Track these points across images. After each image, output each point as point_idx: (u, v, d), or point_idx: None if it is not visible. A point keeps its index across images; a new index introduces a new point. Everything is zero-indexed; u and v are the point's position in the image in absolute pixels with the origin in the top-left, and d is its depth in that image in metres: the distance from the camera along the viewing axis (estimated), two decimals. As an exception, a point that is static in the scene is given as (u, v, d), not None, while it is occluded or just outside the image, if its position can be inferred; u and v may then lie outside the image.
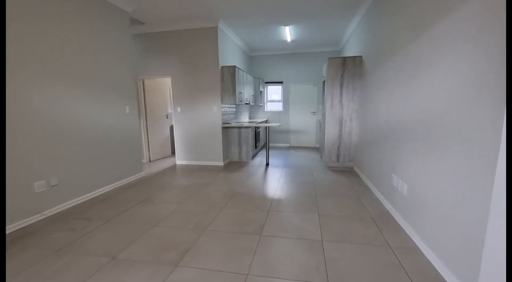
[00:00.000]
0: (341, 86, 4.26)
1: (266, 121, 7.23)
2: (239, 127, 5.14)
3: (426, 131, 1.95)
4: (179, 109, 5.03)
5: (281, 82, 7.10)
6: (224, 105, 5.03)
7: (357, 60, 4.16)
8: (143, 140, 5.31)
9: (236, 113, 5.98)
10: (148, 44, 4.92)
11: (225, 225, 2.43)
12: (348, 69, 4.21)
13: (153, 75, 5.05)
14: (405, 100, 2.36)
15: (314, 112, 7.02)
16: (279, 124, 4.90)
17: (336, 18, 4.53)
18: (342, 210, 2.76)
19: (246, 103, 5.84)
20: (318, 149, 6.65)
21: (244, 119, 6.71)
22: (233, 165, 5.04)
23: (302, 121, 7.13)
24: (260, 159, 5.58)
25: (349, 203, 2.97)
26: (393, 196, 2.60)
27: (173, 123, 5.15)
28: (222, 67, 4.81)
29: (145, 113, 5.27)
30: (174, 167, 4.92)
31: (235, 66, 4.77)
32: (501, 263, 1.09)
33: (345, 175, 4.15)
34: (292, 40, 5.91)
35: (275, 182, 3.82)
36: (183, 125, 5.07)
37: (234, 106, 5.79)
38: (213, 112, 4.88)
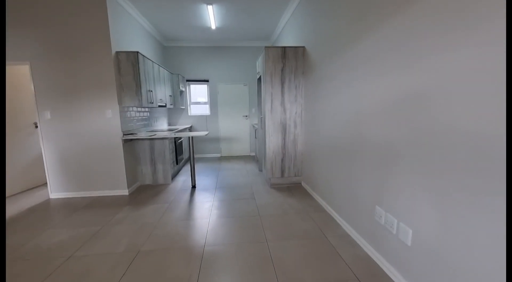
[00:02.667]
0: (282, 84, 3.43)
1: (190, 128, 5.91)
2: (150, 138, 3.72)
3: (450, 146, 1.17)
4: (48, 115, 3.25)
5: (207, 81, 5.92)
6: (131, 109, 3.52)
7: (299, 52, 3.40)
8: (-17, 166, 3.24)
9: (150, 119, 4.49)
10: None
11: None
12: (289, 62, 3.40)
13: (-6, 61, 3.10)
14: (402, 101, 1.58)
15: (246, 116, 6.12)
16: (206, 133, 3.73)
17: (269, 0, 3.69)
18: (309, 266, 1.82)
19: (160, 106, 4.42)
20: (254, 158, 5.77)
21: (162, 126, 5.24)
22: (145, 191, 3.58)
23: (233, 126, 6.12)
24: (184, 178, 4.26)
25: (315, 248, 2.06)
26: (381, 239, 1.81)
27: (40, 137, 3.30)
28: (118, 53, 3.31)
29: (-16, 122, 3.24)
30: (45, 205, 3.11)
31: (137, 52, 3.35)
32: None
33: (294, 195, 3.31)
34: (217, 28, 4.82)
35: (205, 219, 2.64)
36: (58, 139, 3.30)
37: (147, 110, 4.29)
38: (107, 119, 3.31)
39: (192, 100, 6.05)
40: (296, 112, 3.51)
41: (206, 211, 2.84)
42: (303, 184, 3.65)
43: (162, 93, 4.43)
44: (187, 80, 5.87)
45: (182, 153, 4.87)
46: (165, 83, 4.66)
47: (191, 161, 3.67)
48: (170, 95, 4.98)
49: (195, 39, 5.49)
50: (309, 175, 3.37)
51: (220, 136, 6.11)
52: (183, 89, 5.71)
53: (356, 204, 2.13)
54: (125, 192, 3.48)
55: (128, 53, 3.33)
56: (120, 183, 3.46)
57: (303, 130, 3.53)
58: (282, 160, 3.60)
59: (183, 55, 5.77)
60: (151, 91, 3.82)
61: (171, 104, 5.01)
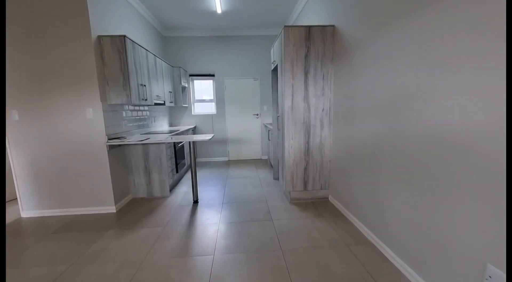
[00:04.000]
0: (306, 73, 2.70)
1: (194, 129, 5.25)
2: (141, 144, 3.05)
3: None
4: (16, 115, 2.62)
5: (212, 76, 5.24)
6: (120, 107, 2.87)
7: (327, 32, 2.66)
8: None
9: (148, 119, 3.84)
10: None
11: None
12: (315, 45, 2.67)
13: None
14: None
15: (257, 114, 5.41)
16: (209, 137, 3.04)
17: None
18: None
19: (158, 104, 3.77)
20: (267, 163, 5.06)
21: (162, 127, 4.59)
22: (136, 208, 2.93)
23: (243, 127, 5.43)
24: (185, 189, 3.59)
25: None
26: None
27: (7, 142, 2.69)
28: (100, 38, 2.66)
29: None
30: (14, 227, 2.50)
31: (124, 36, 2.68)
32: None
33: (322, 215, 2.59)
34: (223, 12, 4.12)
35: (208, 256, 1.95)
36: (29, 145, 2.68)
37: (144, 109, 3.64)
38: (87, 120, 2.67)
39: (196, 98, 5.38)
40: (324, 109, 2.78)
41: (210, 241, 2.15)
42: (331, 198, 2.93)
43: (159, 89, 3.76)
44: (190, 75, 5.20)
45: (183, 158, 4.20)
46: (163, 77, 4.00)
47: (192, 171, 2.98)
48: (170, 92, 4.32)
49: (198, 27, 4.81)
50: (340, 188, 2.64)
51: (227, 137, 5.43)
52: (186, 85, 5.04)
53: (438, 248, 1.39)
54: (112, 209, 2.83)
55: (113, 37, 2.66)
56: (105, 198, 2.81)
57: (332, 131, 2.80)
58: (305, 169, 2.88)
59: (185, 46, 5.10)
60: (144, 85, 3.16)
61: (171, 102, 4.35)
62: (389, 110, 1.75)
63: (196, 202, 3.04)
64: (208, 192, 3.44)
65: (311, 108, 2.77)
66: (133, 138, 2.91)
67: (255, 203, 2.96)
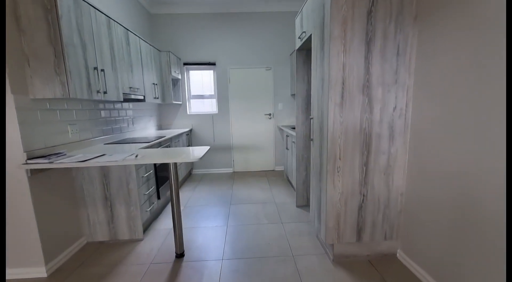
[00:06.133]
0: (368, 43, 1.53)
1: (189, 133, 4.12)
2: (69, 166, 1.92)
3: None
4: None
5: (213, 64, 4.10)
6: (68, 104, 1.76)
7: (411, -31, 1.48)
8: None
9: (126, 121, 2.72)
10: None
11: None
12: (387, -6, 1.50)
13: None
14: None
15: (270, 114, 4.25)
16: (199, 156, 1.88)
17: None
18: None
19: (132, 99, 2.65)
20: (283, 176, 3.91)
21: (145, 131, 3.48)
22: (85, 265, 1.82)
23: (252, 130, 4.28)
24: (170, 224, 2.47)
25: None
26: None
27: None
28: (11, -17, 1.54)
29: None
30: None
31: (49, -22, 1.56)
32: None
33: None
34: (226, -28, 2.97)
35: None
36: None
37: (119, 107, 2.53)
38: (-9, 126, 1.56)
39: (193, 93, 4.25)
40: (396, 108, 1.61)
41: None
42: (401, 255, 1.76)
43: (136, 79, 2.64)
44: (185, 64, 4.07)
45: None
46: (142, 63, 2.88)
47: (173, 213, 1.83)
48: (154, 84, 3.19)
49: (195, 1, 3.67)
50: (420, 238, 1.47)
51: (232, 143, 4.29)
52: (179, 77, 3.92)
53: None
54: (41, 272, 1.72)
55: (33, -17, 1.54)
56: (30, 254, 1.71)
57: (410, 145, 1.63)
58: (360, 208, 1.71)
59: (178, 27, 3.97)
60: (103, 70, 2.03)
61: (156, 98, 3.23)
62: None
63: (180, 255, 1.91)
64: (202, 231, 2.31)
65: (375, 105, 1.60)
66: (64, 160, 1.79)
67: (275, 263, 1.82)
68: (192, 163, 4.24)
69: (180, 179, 3.49)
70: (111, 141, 2.57)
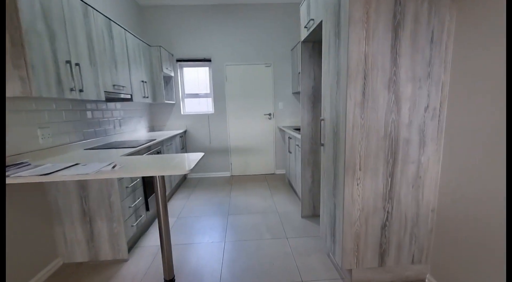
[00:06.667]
0: (396, 29, 1.25)
1: (184, 135, 3.83)
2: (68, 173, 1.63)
3: None
4: None
5: (208, 61, 3.81)
6: (35, 103, 1.46)
7: None
8: None
9: (112, 123, 2.42)
10: None
11: None
12: (420, -33, 1.23)
13: None
14: None
15: (270, 114, 3.97)
16: (193, 164, 1.60)
17: None
18: None
19: (116, 99, 2.36)
20: (284, 180, 3.63)
21: (136, 134, 3.18)
22: (54, 298, 1.54)
23: (250, 131, 4.00)
24: (159, 242, 2.18)
25: None
26: None
27: None
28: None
29: None
30: None
31: None
32: None
33: None
34: (222, -43, 2.68)
35: None
36: None
37: (104, 107, 2.23)
38: None
39: (187, 92, 3.95)
40: (429, 108, 1.34)
41: None
42: (430, 280, 1.49)
43: (121, 75, 2.34)
44: (178, 60, 3.77)
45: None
46: (129, 58, 2.58)
47: (161, 232, 1.54)
48: (143, 82, 2.89)
49: (188, -10, 3.37)
50: (456, 262, 1.20)
51: (230, 145, 4.00)
52: (171, 74, 3.62)
53: None
54: (1, 307, 1.43)
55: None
56: (-13, 286, 1.41)
57: (444, 152, 1.36)
58: (383, 228, 1.44)
59: (170, 20, 3.66)
60: (78, 64, 1.73)
61: (145, 97, 2.93)
62: None
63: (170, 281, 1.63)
64: (196, 249, 2.02)
65: (403, 105, 1.32)
66: (47, 164, 1.49)
67: (282, 288, 1.54)
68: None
69: (173, 185, 3.20)
70: (93, 146, 2.27)
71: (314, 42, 2.22)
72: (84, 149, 2.13)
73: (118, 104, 2.80)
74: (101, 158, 1.72)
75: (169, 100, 3.58)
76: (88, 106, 2.26)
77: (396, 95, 1.31)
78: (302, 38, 2.14)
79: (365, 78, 1.28)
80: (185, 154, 1.76)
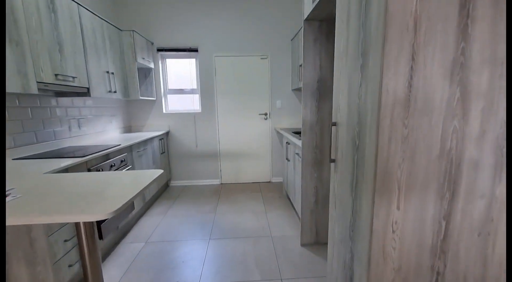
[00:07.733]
0: (462, 8, 0.73)
1: (166, 136, 3.30)
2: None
3: None
4: None
5: (195, 51, 3.27)
6: None
7: None
8: None
9: (67, 123, 1.90)
10: None
11: None
12: None
13: None
14: None
15: (266, 114, 3.45)
16: (123, 203, 1.08)
17: None
18: None
19: (75, 93, 1.83)
20: (281, 190, 3.11)
21: (106, 136, 2.66)
22: None
23: (243, 133, 3.47)
24: (119, 276, 1.66)
25: None
26: None
27: None
28: None
29: None
30: None
31: None
32: None
33: None
34: None
35: None
36: None
37: (62, 103, 1.71)
38: None
39: (170, 87, 3.42)
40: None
41: None
42: None
43: (72, 63, 1.81)
44: (159, 50, 3.23)
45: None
46: (84, 41, 2.04)
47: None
48: (109, 73, 2.36)
49: (169, -34, 2.83)
50: None
51: (219, 149, 3.48)
52: (151, 65, 3.09)
53: None
54: None
55: None
56: None
57: (534, 184, 0.84)
58: (430, 295, 0.92)
59: (150, 2, 3.12)
60: (-18, 41, 1.20)
61: (111, 91, 2.40)
62: None
63: None
64: (160, 294, 1.50)
65: (473, 105, 0.80)
66: None
67: None
68: (170, 172, 3.43)
69: (151, 194, 2.68)
70: (28, 154, 1.74)
71: (321, 21, 1.69)
72: (13, 159, 1.61)
73: (76, 100, 2.27)
74: (22, 173, 1.20)
75: (147, 97, 3.05)
76: (23, 103, 1.73)
77: (463, 89, 0.79)
78: (306, 15, 1.62)
79: (413, 58, 0.76)
80: (134, 172, 1.22)
